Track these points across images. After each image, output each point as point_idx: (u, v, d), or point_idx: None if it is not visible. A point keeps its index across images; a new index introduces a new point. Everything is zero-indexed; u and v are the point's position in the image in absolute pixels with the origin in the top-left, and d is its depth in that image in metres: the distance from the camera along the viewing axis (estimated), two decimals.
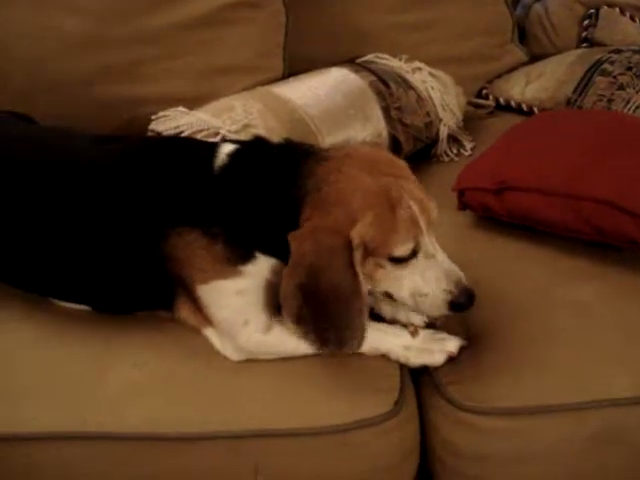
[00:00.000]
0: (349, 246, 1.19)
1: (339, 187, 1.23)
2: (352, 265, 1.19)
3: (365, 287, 1.21)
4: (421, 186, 1.29)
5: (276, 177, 1.27)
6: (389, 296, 1.31)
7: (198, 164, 1.33)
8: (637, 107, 1.98)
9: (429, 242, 1.26)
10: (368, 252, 1.22)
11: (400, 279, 1.26)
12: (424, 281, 1.26)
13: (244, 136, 1.59)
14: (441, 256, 1.27)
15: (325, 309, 1.19)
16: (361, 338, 1.21)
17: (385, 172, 1.26)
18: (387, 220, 1.21)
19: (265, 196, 1.26)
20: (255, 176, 1.28)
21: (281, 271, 1.25)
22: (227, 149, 1.33)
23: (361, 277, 1.20)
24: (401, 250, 1.23)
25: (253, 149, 1.34)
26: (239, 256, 1.28)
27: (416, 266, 1.25)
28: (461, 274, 1.27)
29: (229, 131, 1.66)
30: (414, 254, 1.25)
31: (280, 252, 1.24)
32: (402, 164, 1.33)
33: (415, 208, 1.24)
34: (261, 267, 1.29)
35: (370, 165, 1.27)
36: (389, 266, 1.24)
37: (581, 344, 1.34)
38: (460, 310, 1.26)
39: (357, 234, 1.19)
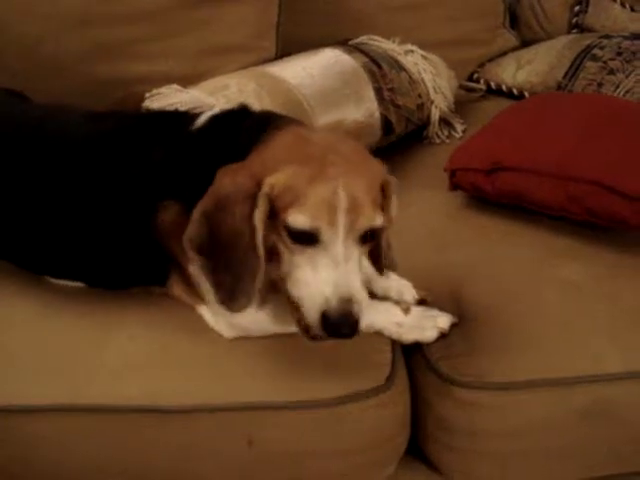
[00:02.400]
0: (256, 193, 1.14)
1: (285, 141, 1.20)
2: (251, 214, 1.13)
3: (262, 249, 1.14)
4: (370, 196, 1.17)
5: (238, 139, 1.25)
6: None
7: (180, 135, 1.32)
8: (627, 91, 2.00)
9: (341, 247, 1.14)
10: (274, 212, 1.15)
11: (294, 266, 1.16)
12: (313, 275, 1.14)
13: None
14: (346, 269, 1.14)
15: (223, 251, 1.16)
16: (249, 299, 1.16)
17: (340, 156, 1.18)
18: (303, 185, 1.13)
19: (226, 157, 1.22)
20: (229, 144, 1.26)
21: None
22: (205, 117, 1.33)
23: (259, 235, 1.14)
24: (295, 220, 1.12)
25: (228, 117, 1.33)
26: None
27: (314, 260, 1.14)
28: (358, 299, 1.13)
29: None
30: (311, 240, 1.13)
31: None
32: (374, 166, 1.24)
33: (341, 200, 1.13)
34: None
35: (331, 144, 1.21)
36: (288, 241, 1.15)
37: (570, 321, 1.36)
38: (331, 331, 1.12)
39: (270, 182, 1.14)
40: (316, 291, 1.13)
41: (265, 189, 1.14)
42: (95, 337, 1.34)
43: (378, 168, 1.24)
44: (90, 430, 1.26)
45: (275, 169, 1.15)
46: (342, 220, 1.13)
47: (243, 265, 1.16)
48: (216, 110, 1.35)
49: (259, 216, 1.14)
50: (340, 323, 1.11)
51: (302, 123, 1.33)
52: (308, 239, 1.14)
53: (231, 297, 1.17)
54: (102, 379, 1.27)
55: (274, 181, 1.14)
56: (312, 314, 1.13)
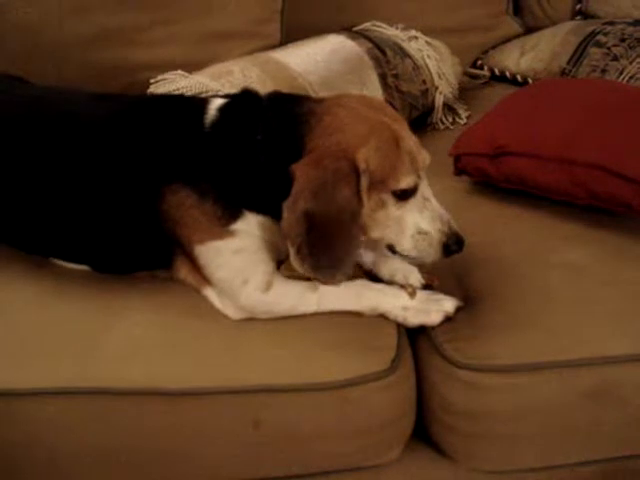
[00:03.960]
0: (356, 170, 1.20)
1: (341, 115, 1.24)
2: (358, 191, 1.21)
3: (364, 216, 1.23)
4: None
5: (271, 122, 1.27)
6: (390, 248, 1.32)
7: (190, 120, 1.33)
8: (631, 77, 2.00)
9: (425, 185, 1.29)
10: (373, 184, 1.23)
11: (400, 220, 1.27)
12: (422, 221, 1.27)
13: None
14: (434, 200, 1.30)
15: (326, 234, 1.20)
16: (349, 269, 1.23)
17: (382, 112, 1.29)
18: (391, 149, 1.23)
19: (260, 143, 1.26)
20: (246, 129, 1.28)
21: (271, 228, 1.27)
22: (217, 104, 1.33)
23: (366, 205, 1.22)
24: (406, 182, 1.24)
25: (242, 101, 1.34)
26: (230, 215, 1.28)
27: (415, 205, 1.27)
28: (451, 218, 1.29)
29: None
30: (415, 190, 1.27)
31: (272, 206, 1.24)
32: (394, 111, 1.35)
33: (418, 149, 1.28)
34: (253, 225, 1.30)
35: (367, 104, 1.30)
36: (391, 203, 1.26)
37: (576, 303, 1.36)
38: (451, 254, 1.29)
39: (362, 158, 1.20)
40: (434, 229, 1.27)
41: (362, 165, 1.20)
42: (100, 321, 1.35)
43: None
44: (95, 413, 1.26)
45: (359, 144, 1.21)
46: (423, 163, 1.28)
47: (344, 242, 1.22)
48: (222, 100, 1.35)
49: (365, 190, 1.21)
50: (457, 246, 1.28)
51: (315, 97, 1.37)
52: (411, 192, 1.26)
53: (332, 274, 1.23)
54: (107, 362, 1.28)
55: (366, 155, 1.21)
56: (437, 252, 1.28)
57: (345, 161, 1.19)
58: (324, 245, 1.20)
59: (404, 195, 1.26)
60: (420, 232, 1.28)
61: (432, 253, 1.29)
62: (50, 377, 1.26)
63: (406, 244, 1.29)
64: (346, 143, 1.21)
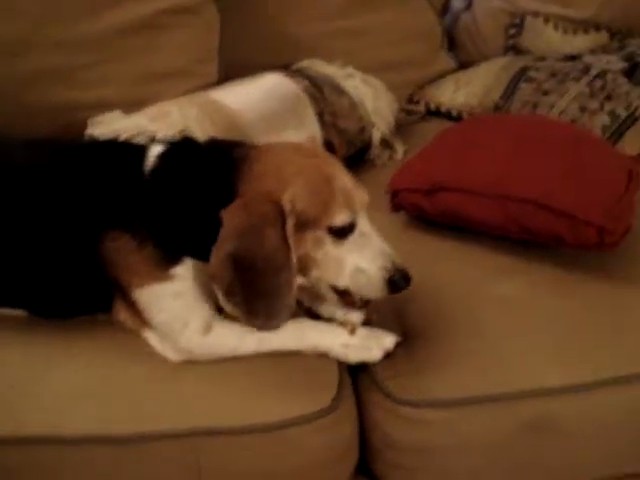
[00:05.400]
0: (281, 213, 1.20)
1: (271, 160, 1.26)
2: (284, 235, 1.20)
3: (294, 260, 1.22)
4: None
5: (206, 169, 1.28)
6: (333, 287, 1.33)
7: (128, 167, 1.33)
8: (561, 112, 2.05)
9: (364, 221, 1.29)
10: (306, 223, 1.23)
11: (339, 259, 1.27)
12: (361, 260, 1.27)
13: None
14: (375, 236, 1.30)
15: (255, 279, 1.20)
16: (289, 311, 1.23)
17: (315, 156, 1.30)
18: (321, 188, 1.24)
19: (196, 190, 1.26)
20: (183, 176, 1.29)
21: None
22: (156, 151, 1.34)
23: (293, 249, 1.21)
24: (340, 218, 1.24)
25: (181, 149, 1.35)
26: (169, 260, 1.29)
27: (354, 243, 1.27)
28: (395, 254, 1.29)
29: (165, 136, 1.66)
30: (352, 227, 1.27)
31: (209, 253, 1.23)
32: (329, 154, 1.36)
33: (353, 185, 1.28)
34: (191, 270, 1.30)
35: (299, 149, 1.31)
36: (328, 242, 1.26)
37: (510, 336, 1.39)
38: (397, 290, 1.28)
39: (288, 199, 1.21)
40: (374, 267, 1.26)
41: (288, 206, 1.20)
42: (40, 367, 1.33)
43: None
44: (33, 463, 1.25)
45: (285, 185, 1.21)
46: (360, 202, 1.28)
47: (278, 285, 1.21)
48: (162, 146, 1.36)
49: (291, 232, 1.20)
50: (402, 281, 1.27)
51: (249, 143, 1.36)
52: (348, 230, 1.26)
53: (269, 318, 1.23)
54: (47, 409, 1.26)
55: (292, 196, 1.21)
56: (381, 289, 1.27)
57: (270, 204, 1.20)
58: (256, 290, 1.20)
59: (341, 233, 1.26)
60: (358, 271, 1.28)
61: (374, 290, 1.29)
62: None
63: (345, 282, 1.30)
64: (273, 186, 1.22)
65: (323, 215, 1.24)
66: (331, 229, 1.25)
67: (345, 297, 1.35)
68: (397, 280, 1.27)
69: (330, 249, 1.27)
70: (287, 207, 1.20)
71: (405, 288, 1.28)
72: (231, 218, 1.20)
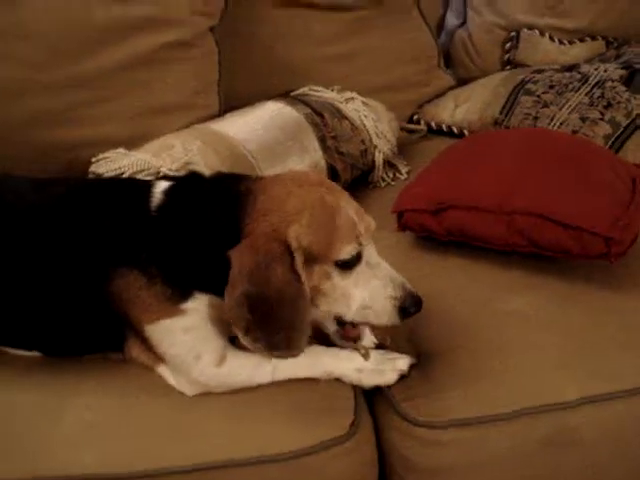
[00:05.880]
0: (288, 249, 1.21)
1: (274, 195, 1.26)
2: (294, 270, 1.21)
3: (307, 289, 1.22)
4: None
5: (211, 205, 1.28)
6: (338, 320, 1.33)
7: (135, 204, 1.34)
8: (561, 123, 2.06)
9: (370, 251, 1.30)
10: (312, 259, 1.24)
11: (347, 293, 1.28)
12: (369, 291, 1.28)
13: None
14: (384, 265, 1.30)
15: (271, 315, 1.21)
16: (306, 338, 1.24)
17: (318, 186, 1.30)
18: (326, 223, 1.24)
19: (203, 226, 1.27)
20: (190, 212, 1.30)
21: (221, 305, 1.26)
22: (162, 187, 1.35)
23: (304, 279, 1.22)
24: (345, 251, 1.25)
25: (187, 184, 1.36)
26: (179, 294, 1.29)
27: (360, 275, 1.28)
28: (405, 280, 1.29)
29: (170, 169, 1.67)
30: (358, 258, 1.27)
31: (219, 286, 1.24)
32: (333, 183, 1.36)
33: (353, 215, 1.27)
34: (202, 304, 1.31)
35: (302, 180, 1.31)
36: (335, 276, 1.26)
37: (524, 352, 1.39)
38: (409, 315, 1.28)
39: (294, 236, 1.21)
40: (383, 298, 1.27)
41: (294, 243, 1.21)
42: (52, 407, 1.33)
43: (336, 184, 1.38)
44: None
45: (289, 222, 1.22)
46: (365, 231, 1.28)
47: (293, 316, 1.22)
48: (167, 182, 1.37)
49: (300, 266, 1.21)
50: (414, 306, 1.28)
51: (258, 175, 1.40)
52: (354, 262, 1.26)
53: (289, 348, 1.23)
54: (60, 449, 1.27)
55: (297, 232, 1.22)
56: (392, 317, 1.28)
57: (276, 242, 1.21)
58: (273, 324, 1.21)
59: (347, 265, 1.26)
60: (365, 305, 1.28)
61: (385, 320, 1.29)
62: (5, 469, 1.24)
63: (353, 316, 1.30)
64: (277, 224, 1.22)
65: (328, 250, 1.24)
66: (337, 263, 1.26)
67: (345, 329, 1.36)
68: (408, 306, 1.27)
69: (337, 281, 1.27)
70: (293, 244, 1.21)
71: (416, 312, 1.29)
72: (239, 259, 1.21)
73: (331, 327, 1.37)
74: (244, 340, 1.24)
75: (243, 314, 1.20)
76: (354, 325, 1.36)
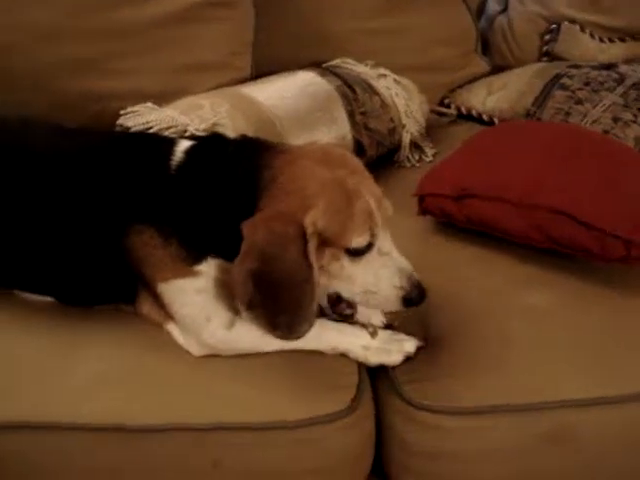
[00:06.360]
0: (303, 234, 1.20)
1: (294, 176, 1.24)
2: (306, 254, 1.20)
3: (317, 274, 1.22)
4: (377, 185, 1.32)
5: (231, 173, 1.28)
6: (337, 298, 1.34)
7: (156, 162, 1.34)
8: (593, 121, 2.04)
9: (384, 238, 1.29)
10: (325, 242, 1.23)
11: (353, 277, 1.27)
12: (376, 279, 1.27)
13: None
14: (395, 254, 1.30)
15: (277, 296, 1.21)
16: (310, 324, 1.23)
17: (341, 166, 1.28)
18: (343, 209, 1.23)
19: (220, 193, 1.27)
20: (209, 174, 1.29)
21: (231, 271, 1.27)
22: (184, 146, 1.35)
23: (315, 265, 1.21)
24: (358, 241, 1.24)
25: (209, 146, 1.36)
26: (193, 257, 1.30)
27: (370, 262, 1.27)
28: (413, 271, 1.29)
29: (197, 129, 1.67)
30: (369, 247, 1.26)
31: (231, 252, 1.24)
32: (358, 162, 1.35)
33: (371, 202, 1.26)
34: (215, 268, 1.31)
35: (326, 159, 1.29)
36: (345, 259, 1.26)
37: (534, 346, 1.38)
38: (412, 305, 1.28)
39: (310, 221, 1.20)
40: (388, 286, 1.27)
41: (310, 229, 1.19)
42: (64, 354, 1.35)
43: (360, 163, 1.36)
44: (55, 448, 1.26)
45: (307, 207, 1.21)
46: (380, 220, 1.27)
47: (300, 299, 1.21)
48: (190, 142, 1.37)
49: (313, 252, 1.20)
50: (417, 298, 1.28)
51: (282, 145, 1.36)
52: (365, 250, 1.26)
53: (290, 331, 1.23)
54: (69, 397, 1.28)
55: (314, 218, 1.20)
56: (395, 305, 1.28)
57: (293, 225, 1.20)
58: (277, 305, 1.21)
59: (357, 253, 1.26)
60: (370, 292, 1.28)
61: (388, 306, 1.30)
62: (9, 412, 1.26)
63: (357, 299, 1.31)
64: (295, 206, 1.21)
65: (341, 237, 1.23)
66: (348, 250, 1.25)
67: (337, 307, 1.37)
68: (413, 297, 1.27)
69: (346, 265, 1.27)
70: (309, 229, 1.20)
71: (419, 304, 1.29)
72: (252, 233, 1.20)
73: (324, 305, 1.38)
74: (245, 315, 1.24)
75: (248, 289, 1.20)
76: (350, 305, 1.37)
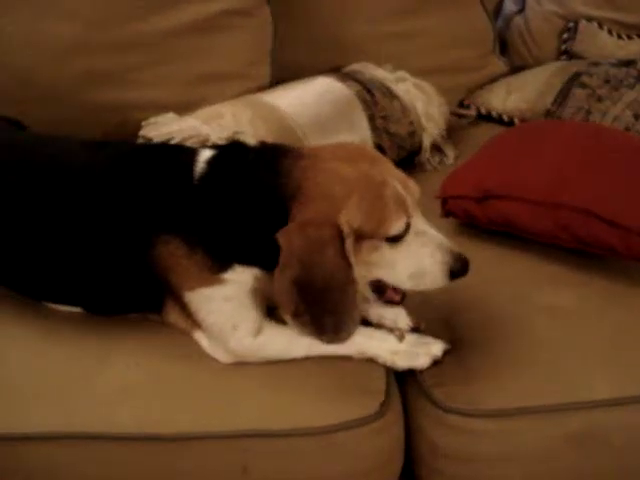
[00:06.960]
0: (339, 235, 1.21)
1: (318, 181, 1.25)
2: (344, 255, 1.21)
3: (355, 272, 1.23)
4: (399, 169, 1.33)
5: (253, 181, 1.28)
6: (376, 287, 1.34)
7: (179, 172, 1.34)
8: (614, 119, 2.03)
9: (417, 218, 1.29)
10: (362, 236, 1.24)
11: (395, 262, 1.28)
12: (418, 259, 1.28)
13: None
14: (431, 231, 1.30)
15: (321, 300, 1.22)
16: (356, 324, 1.25)
17: (361, 160, 1.29)
18: (374, 201, 1.24)
19: (242, 201, 1.27)
20: (230, 184, 1.30)
21: (261, 277, 1.29)
22: (205, 156, 1.35)
23: (354, 264, 1.22)
24: (396, 227, 1.25)
25: (229, 155, 1.36)
26: (220, 265, 1.30)
27: (409, 244, 1.28)
28: (451, 244, 1.30)
29: (219, 138, 1.68)
30: (407, 230, 1.27)
31: (260, 259, 1.26)
32: (374, 151, 1.36)
33: (399, 186, 1.27)
34: (242, 275, 1.31)
35: (345, 156, 1.30)
36: (385, 248, 1.26)
37: (562, 347, 1.38)
38: (458, 277, 1.29)
39: (345, 221, 1.21)
40: (433, 264, 1.28)
41: (345, 228, 1.21)
42: (91, 364, 1.36)
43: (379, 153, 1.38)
44: (84, 458, 1.27)
45: (339, 208, 1.22)
46: (412, 202, 1.28)
47: (342, 300, 1.23)
48: (210, 152, 1.37)
49: (350, 250, 1.22)
50: (463, 268, 1.28)
51: (300, 149, 1.36)
52: (404, 233, 1.27)
53: (336, 333, 1.25)
54: (97, 407, 1.29)
55: (347, 217, 1.22)
56: (443, 281, 1.28)
57: (328, 228, 1.20)
58: (322, 309, 1.22)
59: (397, 238, 1.26)
60: (417, 272, 1.28)
61: (435, 283, 1.30)
62: (39, 422, 1.26)
63: (405, 284, 1.31)
64: (327, 209, 1.22)
65: (379, 227, 1.24)
66: (387, 238, 1.26)
67: (384, 295, 1.37)
68: (458, 269, 1.28)
69: (387, 253, 1.27)
70: (345, 229, 1.21)
71: (465, 275, 1.29)
72: (289, 242, 1.21)
73: (370, 296, 1.37)
74: (291, 323, 1.25)
75: (292, 298, 1.21)
76: (396, 291, 1.37)
